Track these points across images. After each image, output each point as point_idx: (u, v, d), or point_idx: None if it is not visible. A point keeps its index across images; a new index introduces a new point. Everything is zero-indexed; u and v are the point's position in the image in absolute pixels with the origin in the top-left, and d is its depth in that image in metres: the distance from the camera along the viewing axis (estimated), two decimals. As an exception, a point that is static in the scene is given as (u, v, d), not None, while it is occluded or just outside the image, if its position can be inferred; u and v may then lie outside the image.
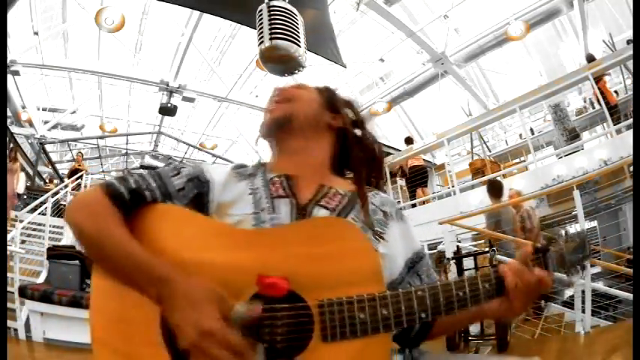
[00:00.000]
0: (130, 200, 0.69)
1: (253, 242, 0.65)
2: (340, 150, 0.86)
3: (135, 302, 0.62)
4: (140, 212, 0.70)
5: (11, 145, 7.06)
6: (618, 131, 5.39)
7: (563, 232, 0.73)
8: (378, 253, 0.72)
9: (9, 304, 3.62)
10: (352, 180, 0.83)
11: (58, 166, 12.74)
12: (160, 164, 14.14)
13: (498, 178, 5.87)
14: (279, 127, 0.82)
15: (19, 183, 7.30)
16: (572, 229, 0.76)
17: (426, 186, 7.73)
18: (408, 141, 8.45)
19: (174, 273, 0.60)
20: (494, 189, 4.66)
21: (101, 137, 13.54)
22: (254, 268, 0.61)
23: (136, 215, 0.70)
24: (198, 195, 0.75)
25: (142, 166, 14.21)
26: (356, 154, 0.84)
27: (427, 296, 0.62)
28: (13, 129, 10.19)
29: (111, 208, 0.67)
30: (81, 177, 8.79)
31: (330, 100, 0.87)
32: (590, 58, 6.78)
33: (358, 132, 0.86)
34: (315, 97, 0.86)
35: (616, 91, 6.83)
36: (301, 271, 0.62)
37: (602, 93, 5.96)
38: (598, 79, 6.05)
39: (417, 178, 7.55)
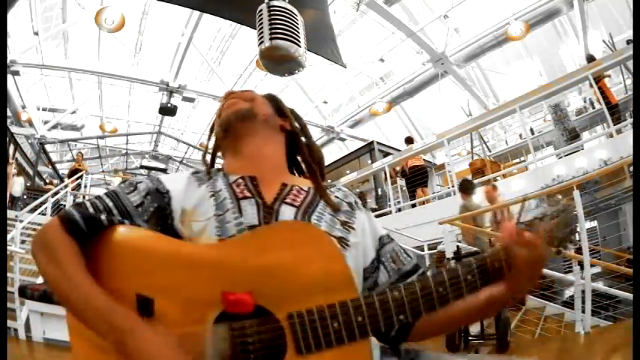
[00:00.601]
0: (87, 228, 0.67)
1: (215, 257, 0.63)
2: (289, 152, 0.89)
3: None
4: (99, 239, 0.68)
5: (11, 146, 7.06)
6: (618, 131, 5.40)
7: (548, 208, 0.70)
8: (350, 245, 0.73)
9: (9, 304, 3.62)
10: (308, 176, 0.86)
11: (58, 166, 12.76)
12: (160, 164, 14.18)
13: (497, 180, 5.85)
14: (242, 120, 0.83)
15: (13, 186, 7.31)
16: (558, 205, 0.73)
17: (426, 186, 7.75)
18: (409, 141, 8.46)
19: (136, 324, 0.57)
20: (465, 187, 4.87)
21: (101, 137, 13.57)
22: (218, 285, 0.59)
23: (95, 242, 0.67)
24: (159, 207, 0.73)
25: (142, 166, 14.23)
26: (306, 153, 0.87)
27: (404, 297, 0.59)
28: (13, 129, 10.20)
29: (67, 243, 0.65)
30: (81, 177, 8.79)
31: (277, 105, 0.91)
32: (591, 59, 6.78)
33: (303, 137, 0.90)
34: (266, 101, 0.90)
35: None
36: (267, 283, 0.59)
37: (602, 93, 5.97)
38: (598, 78, 6.05)
39: (417, 178, 7.56)
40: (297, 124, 0.90)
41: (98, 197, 0.73)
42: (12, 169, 7.06)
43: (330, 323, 0.57)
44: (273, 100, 0.92)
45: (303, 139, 0.89)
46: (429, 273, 0.68)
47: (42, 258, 0.66)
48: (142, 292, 0.61)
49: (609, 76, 6.35)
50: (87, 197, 0.76)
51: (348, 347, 0.58)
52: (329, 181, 0.94)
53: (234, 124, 0.83)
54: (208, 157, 0.88)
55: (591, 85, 6.09)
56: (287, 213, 0.73)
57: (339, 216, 0.77)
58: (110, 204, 0.71)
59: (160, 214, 0.73)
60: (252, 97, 0.88)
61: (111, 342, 0.57)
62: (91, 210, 0.69)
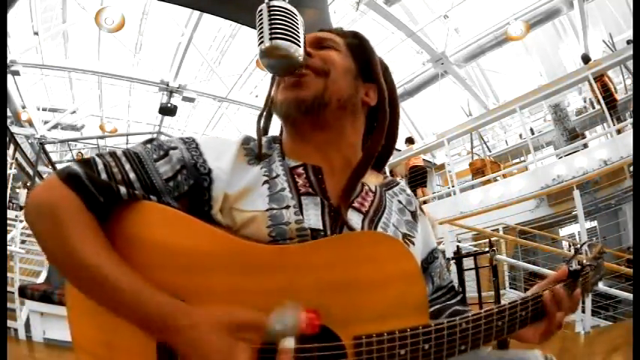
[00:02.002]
0: (105, 201, 0.53)
1: (275, 263, 0.52)
2: (376, 135, 0.69)
3: (122, 325, 0.51)
4: (118, 215, 0.54)
5: (11, 146, 7.07)
6: (618, 131, 5.40)
7: (590, 255, 0.72)
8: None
9: (9, 304, 3.61)
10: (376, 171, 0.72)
11: (58, 166, 12.73)
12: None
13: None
14: (307, 114, 0.62)
15: (20, 198, 7.35)
16: (590, 251, 0.76)
17: (425, 186, 7.75)
18: (409, 141, 8.45)
19: (184, 310, 0.48)
20: None
21: (101, 137, 13.53)
22: (276, 297, 0.50)
23: (113, 219, 0.54)
24: (194, 187, 0.57)
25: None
26: (384, 139, 0.68)
27: (470, 328, 0.55)
28: (13, 129, 10.19)
29: (83, 215, 0.51)
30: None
31: (365, 65, 0.67)
32: (586, 59, 6.78)
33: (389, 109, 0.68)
34: (349, 65, 0.66)
35: (615, 90, 6.75)
36: (335, 301, 0.52)
37: (606, 89, 5.95)
38: (599, 77, 6.05)
39: (417, 178, 7.58)
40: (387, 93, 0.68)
41: (114, 157, 0.56)
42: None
43: (398, 351, 0.51)
44: (359, 52, 0.68)
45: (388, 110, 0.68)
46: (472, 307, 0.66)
47: (44, 224, 0.51)
48: (171, 293, 0.51)
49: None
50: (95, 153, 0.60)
51: None
52: (397, 178, 0.80)
53: (296, 118, 0.63)
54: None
55: (591, 85, 6.09)
56: (354, 220, 0.62)
57: (402, 227, 0.67)
58: (132, 175, 0.55)
59: (194, 195, 0.57)
60: (326, 66, 0.64)
61: (153, 335, 0.50)
62: (104, 176, 0.53)
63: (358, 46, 0.68)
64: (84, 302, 0.53)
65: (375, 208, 0.65)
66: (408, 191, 0.76)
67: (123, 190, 0.54)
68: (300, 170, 0.63)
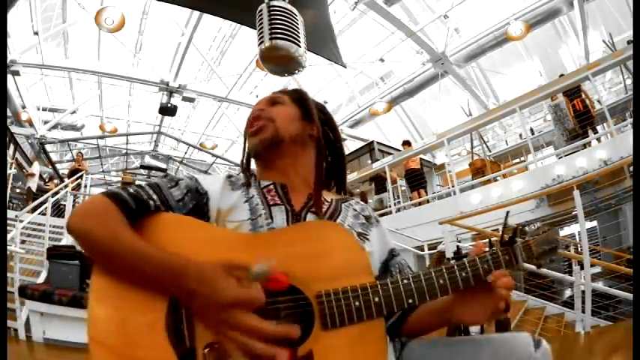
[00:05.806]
0: (136, 208, 0.72)
1: (252, 244, 0.71)
2: (319, 157, 0.91)
3: (137, 304, 0.63)
4: (144, 221, 0.72)
5: (11, 146, 7.07)
6: (619, 131, 5.40)
7: (532, 225, 0.78)
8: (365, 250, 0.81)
9: (9, 304, 3.62)
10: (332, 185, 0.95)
11: (58, 166, 12.74)
12: (160, 164, 14.16)
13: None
14: (268, 149, 0.87)
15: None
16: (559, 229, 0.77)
17: (423, 188, 7.68)
18: (406, 144, 8.45)
19: (189, 261, 0.62)
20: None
21: (101, 137, 13.56)
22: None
23: (141, 223, 0.72)
24: (197, 205, 0.80)
25: (142, 166, 14.22)
26: (322, 165, 0.90)
27: (412, 283, 0.69)
28: (13, 129, 10.21)
29: (119, 214, 0.69)
30: (81, 177, 8.77)
31: (305, 109, 0.92)
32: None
33: (332, 136, 0.94)
34: (293, 112, 0.91)
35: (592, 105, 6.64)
36: (298, 267, 0.68)
37: (575, 110, 6.02)
38: (577, 95, 6.09)
39: (413, 180, 7.56)
40: (326, 128, 0.93)
41: (140, 187, 0.77)
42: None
43: (353, 302, 0.66)
44: (300, 102, 0.94)
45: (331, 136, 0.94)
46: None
47: (90, 223, 0.68)
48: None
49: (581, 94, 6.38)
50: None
51: (366, 324, 0.67)
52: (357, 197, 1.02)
53: (262, 153, 0.88)
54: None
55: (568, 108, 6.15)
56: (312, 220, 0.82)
57: (356, 227, 0.86)
58: (154, 196, 0.76)
59: (196, 211, 0.79)
60: (273, 116, 0.89)
61: (176, 291, 0.61)
62: (137, 195, 0.73)
63: (299, 98, 0.94)
64: (105, 290, 0.65)
65: (330, 213, 0.86)
66: (362, 204, 0.94)
67: (151, 203, 0.74)
68: (271, 187, 0.87)
